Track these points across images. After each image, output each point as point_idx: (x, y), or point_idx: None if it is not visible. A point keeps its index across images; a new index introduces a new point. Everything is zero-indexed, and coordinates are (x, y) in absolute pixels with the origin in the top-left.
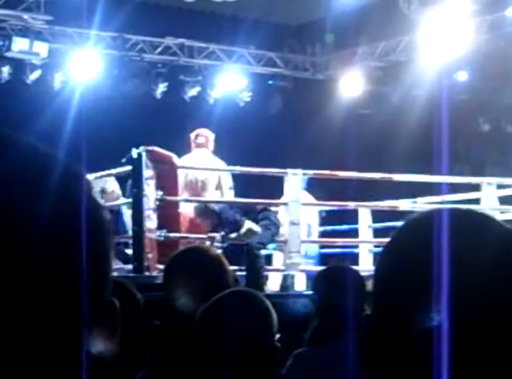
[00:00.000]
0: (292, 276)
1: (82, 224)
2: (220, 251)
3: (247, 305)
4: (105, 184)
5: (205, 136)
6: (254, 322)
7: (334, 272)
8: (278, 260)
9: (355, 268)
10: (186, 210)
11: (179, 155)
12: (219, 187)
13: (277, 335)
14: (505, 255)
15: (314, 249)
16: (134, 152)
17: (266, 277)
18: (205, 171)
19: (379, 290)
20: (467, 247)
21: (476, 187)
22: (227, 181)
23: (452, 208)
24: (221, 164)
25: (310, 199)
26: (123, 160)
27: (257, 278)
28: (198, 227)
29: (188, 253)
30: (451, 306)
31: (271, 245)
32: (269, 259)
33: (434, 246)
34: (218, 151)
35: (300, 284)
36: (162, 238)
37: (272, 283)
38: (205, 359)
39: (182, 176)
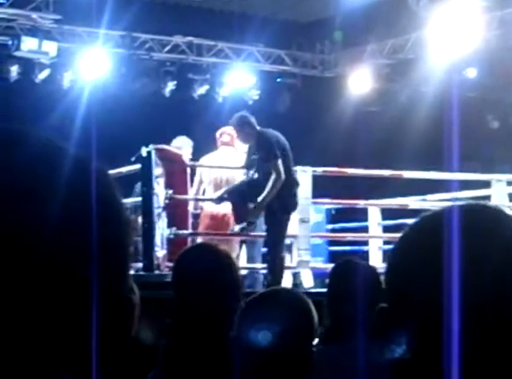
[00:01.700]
0: (299, 274)
1: (93, 218)
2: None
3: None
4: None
5: (229, 134)
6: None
7: (345, 268)
8: (288, 258)
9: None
10: (210, 207)
11: (196, 152)
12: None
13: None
14: None
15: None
16: (144, 151)
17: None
18: (231, 169)
19: (393, 284)
20: (480, 244)
21: (485, 184)
22: None
23: (466, 204)
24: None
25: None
26: (133, 159)
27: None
28: (220, 225)
29: (196, 251)
30: (463, 305)
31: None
32: None
33: (446, 243)
34: None
35: (308, 282)
36: (172, 236)
37: (284, 282)
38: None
39: (206, 174)
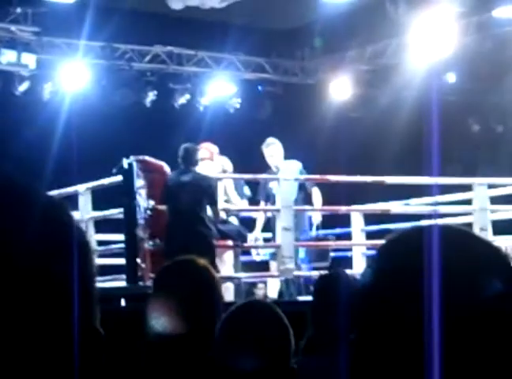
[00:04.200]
0: (286, 282)
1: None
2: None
3: (269, 322)
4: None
5: (208, 149)
6: (275, 345)
7: (328, 279)
8: (274, 267)
9: (348, 271)
10: None
11: (171, 163)
12: (227, 198)
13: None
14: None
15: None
16: (125, 162)
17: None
18: None
19: (367, 303)
20: (454, 265)
21: (467, 187)
22: (245, 191)
23: (439, 225)
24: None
25: None
26: (114, 170)
27: None
28: None
29: (177, 265)
30: (442, 323)
31: (266, 253)
32: (266, 266)
33: (420, 267)
34: None
35: (294, 291)
36: (153, 247)
37: (271, 291)
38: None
39: None
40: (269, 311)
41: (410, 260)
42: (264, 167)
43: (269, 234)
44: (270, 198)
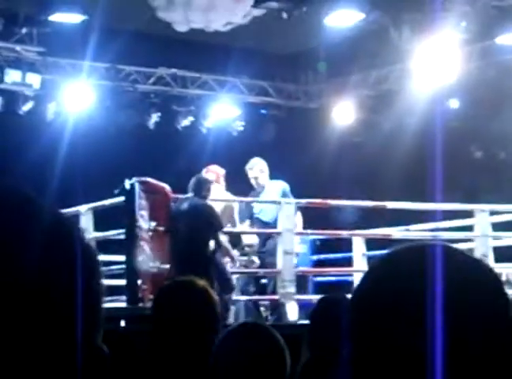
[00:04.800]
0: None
1: (69, 272)
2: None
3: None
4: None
5: (214, 172)
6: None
7: (326, 304)
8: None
9: (349, 296)
10: None
11: (173, 185)
12: (231, 220)
13: None
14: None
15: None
16: (127, 183)
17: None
18: (217, 206)
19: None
20: (457, 287)
21: (469, 214)
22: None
23: (427, 246)
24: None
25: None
26: (116, 191)
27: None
28: None
29: (175, 287)
30: (444, 343)
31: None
32: (264, 289)
33: (419, 285)
34: None
35: (293, 314)
36: (155, 270)
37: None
38: None
39: None
40: (264, 333)
41: (409, 279)
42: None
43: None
44: (253, 219)
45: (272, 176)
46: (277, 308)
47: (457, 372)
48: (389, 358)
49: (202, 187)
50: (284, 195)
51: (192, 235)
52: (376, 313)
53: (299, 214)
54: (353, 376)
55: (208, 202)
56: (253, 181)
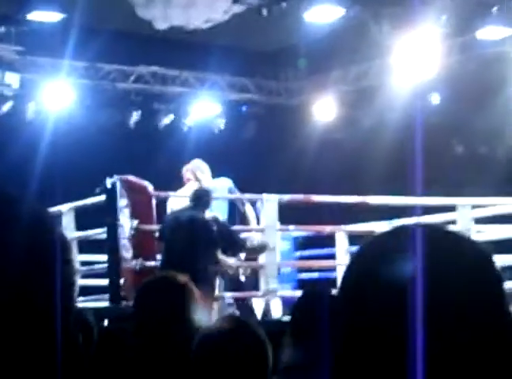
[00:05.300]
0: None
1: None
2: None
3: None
4: None
5: (190, 171)
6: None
7: (308, 298)
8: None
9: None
10: None
11: (155, 183)
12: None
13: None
14: (476, 272)
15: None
16: (108, 182)
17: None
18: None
19: (349, 307)
20: (438, 264)
21: (451, 208)
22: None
23: (416, 226)
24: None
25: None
26: (97, 190)
27: None
28: None
29: (156, 282)
30: (425, 322)
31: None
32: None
33: (405, 263)
34: None
35: (277, 310)
36: (138, 268)
37: (255, 310)
38: None
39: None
40: (246, 329)
41: (392, 261)
42: (248, 187)
43: None
44: None
45: (255, 174)
46: (245, 305)
47: (442, 351)
48: (373, 339)
49: (202, 199)
50: (230, 192)
51: (188, 248)
52: (361, 296)
53: (249, 206)
54: (337, 361)
55: (207, 215)
56: (197, 185)
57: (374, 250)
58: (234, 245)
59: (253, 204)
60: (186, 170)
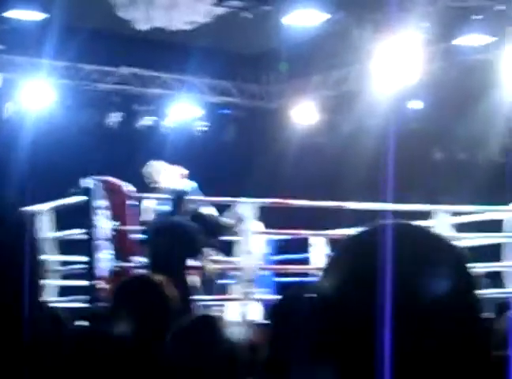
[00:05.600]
0: (247, 306)
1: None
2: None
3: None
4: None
5: (176, 172)
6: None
7: (287, 301)
8: (236, 289)
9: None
10: None
11: (134, 185)
12: None
13: None
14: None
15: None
16: (85, 182)
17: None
18: None
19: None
20: (408, 260)
21: (430, 215)
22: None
23: (393, 223)
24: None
25: (261, 227)
26: (73, 190)
27: None
28: None
29: (132, 283)
30: (393, 316)
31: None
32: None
33: (376, 260)
34: None
35: (256, 314)
36: (117, 269)
37: (232, 313)
38: None
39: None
40: (214, 329)
41: (366, 261)
42: (228, 190)
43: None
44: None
45: (234, 177)
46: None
47: (410, 350)
48: (356, 338)
49: (182, 202)
50: (194, 193)
51: (171, 254)
52: (339, 287)
53: (211, 209)
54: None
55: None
56: (164, 185)
57: (352, 251)
58: (219, 229)
59: (231, 207)
60: (147, 174)
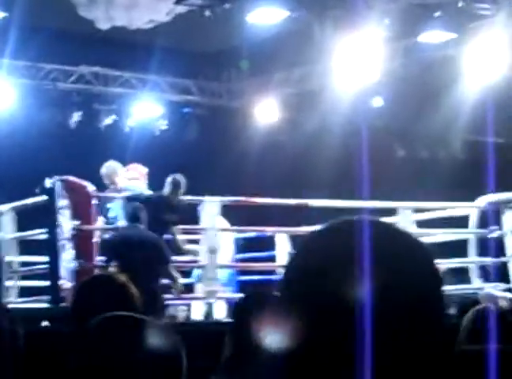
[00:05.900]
0: (211, 304)
1: None
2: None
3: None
4: None
5: (136, 170)
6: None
7: (250, 300)
8: (200, 289)
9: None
10: None
11: (96, 185)
12: None
13: None
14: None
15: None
16: (48, 182)
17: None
18: None
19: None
20: (374, 256)
21: (392, 211)
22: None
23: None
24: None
25: (226, 225)
26: (37, 190)
27: None
28: None
29: (94, 282)
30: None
31: (195, 273)
32: (190, 288)
33: (347, 255)
34: None
35: (221, 312)
36: (78, 268)
37: (195, 312)
38: None
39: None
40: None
41: (338, 250)
42: (190, 189)
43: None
44: (108, 219)
45: (197, 176)
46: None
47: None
48: (324, 336)
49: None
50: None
51: (143, 268)
52: (306, 280)
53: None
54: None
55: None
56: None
57: (316, 246)
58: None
59: (195, 206)
60: (104, 175)
